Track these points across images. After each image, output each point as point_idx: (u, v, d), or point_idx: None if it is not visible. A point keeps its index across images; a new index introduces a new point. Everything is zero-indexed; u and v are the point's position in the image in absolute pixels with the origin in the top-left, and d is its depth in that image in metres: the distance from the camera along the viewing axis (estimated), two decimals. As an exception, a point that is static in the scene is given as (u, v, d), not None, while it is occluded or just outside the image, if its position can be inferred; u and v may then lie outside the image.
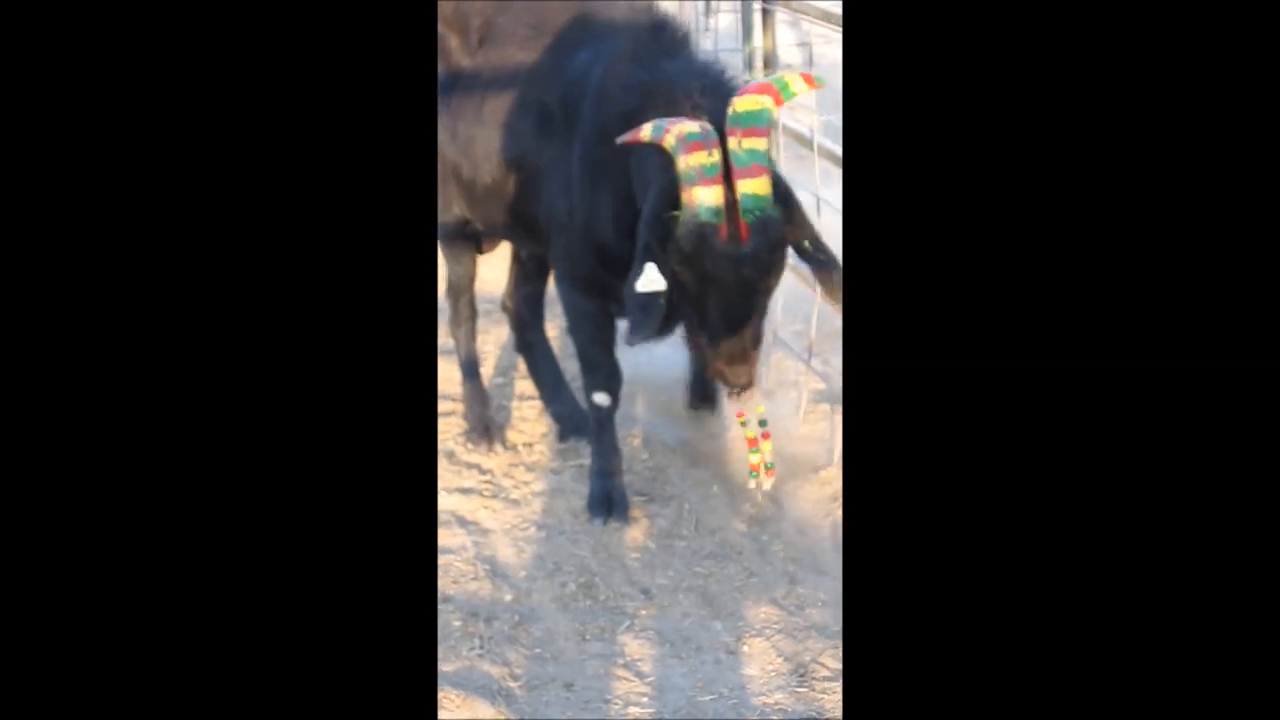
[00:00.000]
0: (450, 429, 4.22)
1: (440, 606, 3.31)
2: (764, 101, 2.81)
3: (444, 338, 4.05)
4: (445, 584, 3.43)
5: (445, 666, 3.07)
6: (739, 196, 2.78)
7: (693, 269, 2.85)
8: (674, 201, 2.84)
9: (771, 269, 2.88)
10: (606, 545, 3.56)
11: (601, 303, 3.45)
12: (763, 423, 3.27)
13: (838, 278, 2.94)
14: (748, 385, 3.01)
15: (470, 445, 3.94)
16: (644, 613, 3.27)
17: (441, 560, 3.53)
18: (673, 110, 2.94)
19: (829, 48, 5.77)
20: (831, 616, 3.20)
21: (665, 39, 3.23)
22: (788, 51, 6.20)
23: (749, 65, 4.56)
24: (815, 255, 2.94)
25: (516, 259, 4.07)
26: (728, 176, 2.79)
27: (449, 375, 4.34)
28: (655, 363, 3.92)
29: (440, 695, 2.95)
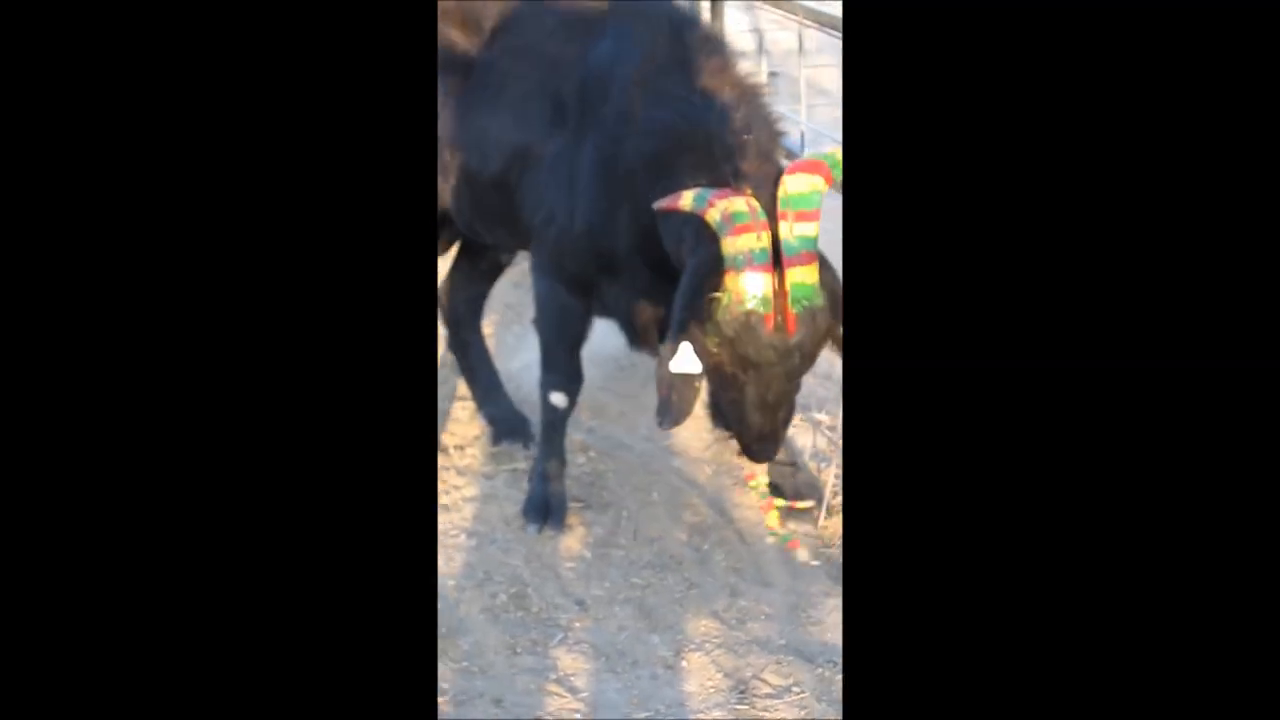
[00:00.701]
0: None
1: None
2: (816, 183, 2.66)
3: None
4: None
5: None
6: (788, 286, 2.64)
7: (733, 355, 2.73)
8: (716, 282, 2.68)
9: (813, 353, 2.77)
10: (540, 554, 3.45)
11: (585, 302, 3.32)
12: (771, 490, 3.24)
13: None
14: (771, 459, 2.99)
15: (493, 443, 3.84)
16: (578, 625, 3.18)
17: None
18: (707, 167, 2.81)
19: (783, 34, 5.67)
20: (775, 630, 3.13)
21: (693, 39, 3.07)
22: (740, 38, 6.08)
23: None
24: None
25: (462, 260, 3.92)
26: (777, 262, 2.64)
27: None
28: (593, 360, 3.78)
29: None
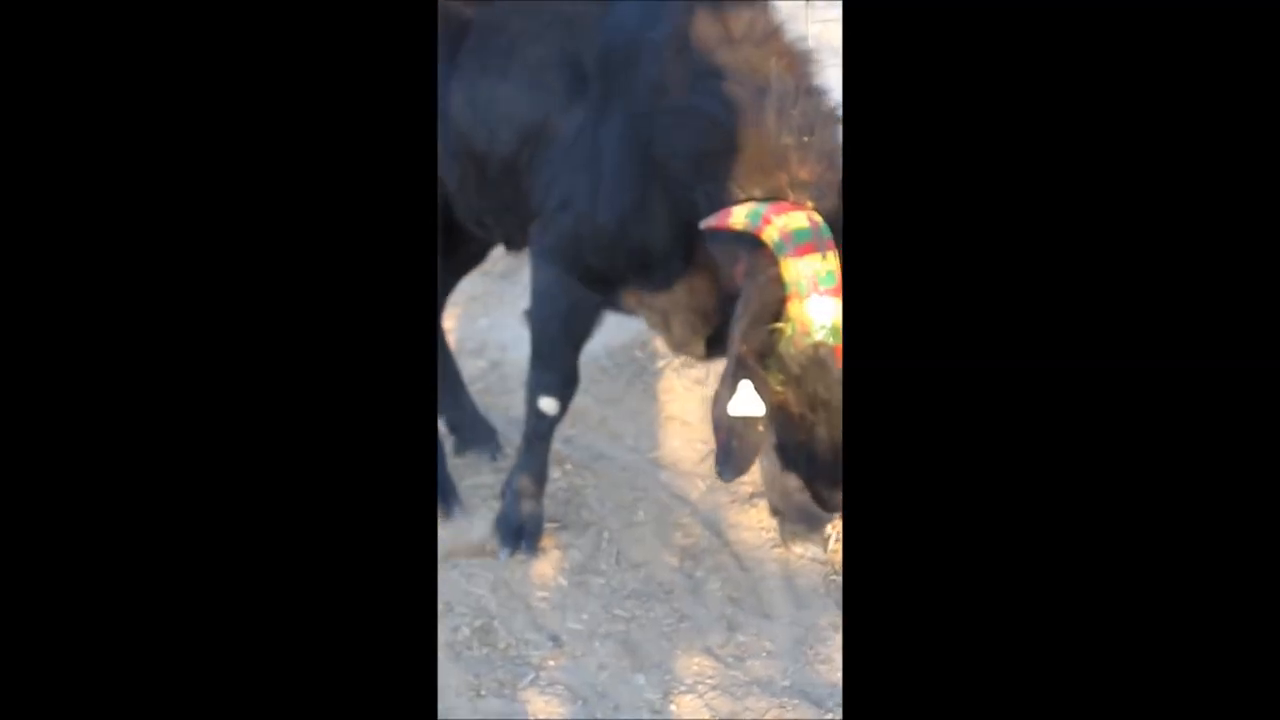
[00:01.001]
0: None
1: None
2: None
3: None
4: None
5: None
6: None
7: (801, 393, 2.49)
8: (778, 311, 2.43)
9: None
10: (509, 582, 3.19)
11: (600, 297, 2.99)
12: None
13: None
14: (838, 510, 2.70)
15: (503, 552, 3.39)
16: (552, 663, 2.95)
17: None
18: (760, 172, 2.52)
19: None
20: (778, 670, 2.91)
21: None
22: None
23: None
24: None
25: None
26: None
27: None
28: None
29: None
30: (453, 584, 3.11)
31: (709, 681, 2.85)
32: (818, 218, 2.39)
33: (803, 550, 2.99)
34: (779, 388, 2.47)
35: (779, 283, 2.39)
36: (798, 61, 2.69)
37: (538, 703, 2.78)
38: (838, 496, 2.57)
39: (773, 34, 2.71)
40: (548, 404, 3.08)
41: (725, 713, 2.76)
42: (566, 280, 2.96)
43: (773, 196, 2.47)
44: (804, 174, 2.49)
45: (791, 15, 2.94)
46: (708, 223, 2.50)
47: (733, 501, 3.46)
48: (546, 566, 3.20)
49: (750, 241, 2.44)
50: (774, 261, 2.39)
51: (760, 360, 2.46)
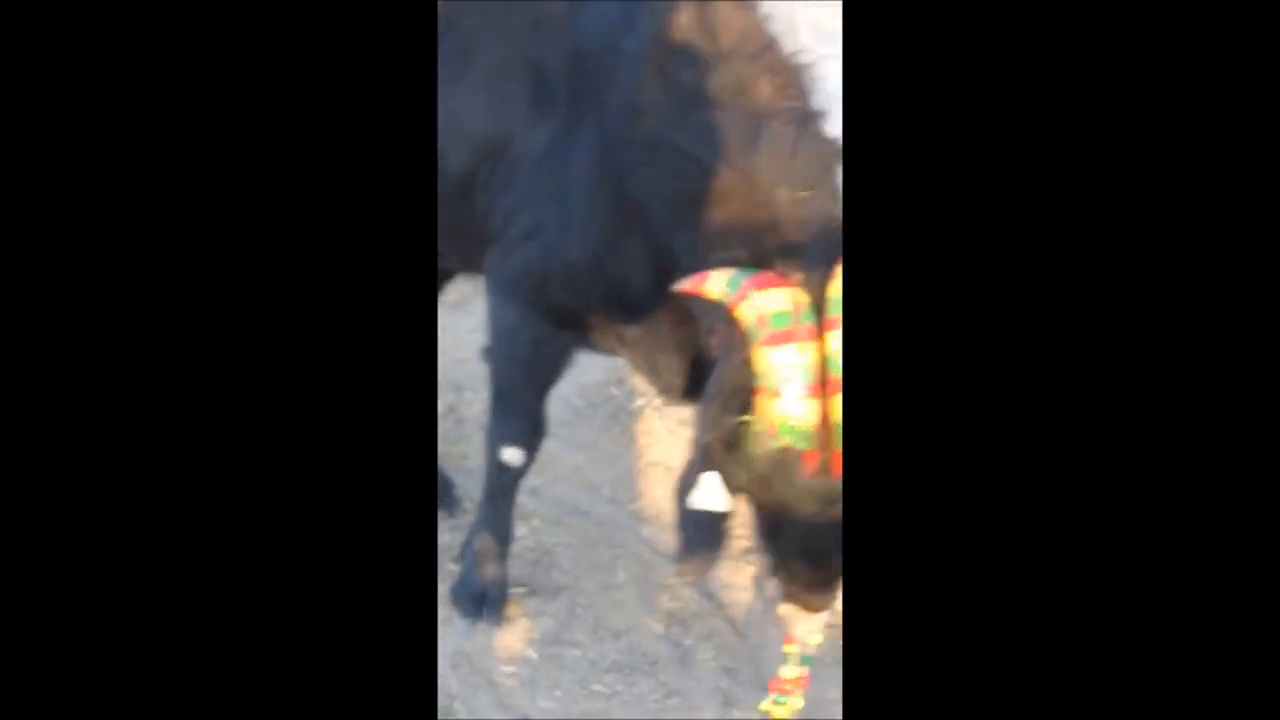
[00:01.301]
0: None
1: None
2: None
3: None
4: None
5: None
6: (833, 419, 2.12)
7: (767, 494, 2.24)
8: (746, 401, 2.15)
9: None
10: (470, 655, 2.91)
11: (569, 336, 2.70)
12: (809, 660, 2.50)
13: None
14: (829, 607, 2.42)
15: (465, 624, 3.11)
16: None
17: None
18: (744, 232, 2.23)
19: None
20: None
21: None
22: None
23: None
24: None
25: None
26: (825, 384, 2.13)
27: None
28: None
29: None
30: None
31: None
32: (804, 298, 2.09)
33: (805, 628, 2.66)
34: (745, 484, 2.21)
35: (750, 370, 2.12)
36: (795, 84, 2.40)
37: None
38: (816, 599, 2.34)
39: (767, 48, 2.41)
40: (511, 454, 2.78)
41: None
42: (531, 317, 2.67)
43: (758, 261, 2.19)
44: (798, 238, 2.19)
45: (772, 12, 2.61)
46: (680, 286, 2.23)
47: (724, 558, 3.01)
48: (513, 637, 2.94)
49: (727, 315, 2.17)
50: (747, 344, 2.11)
51: (728, 451, 2.21)
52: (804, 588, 2.32)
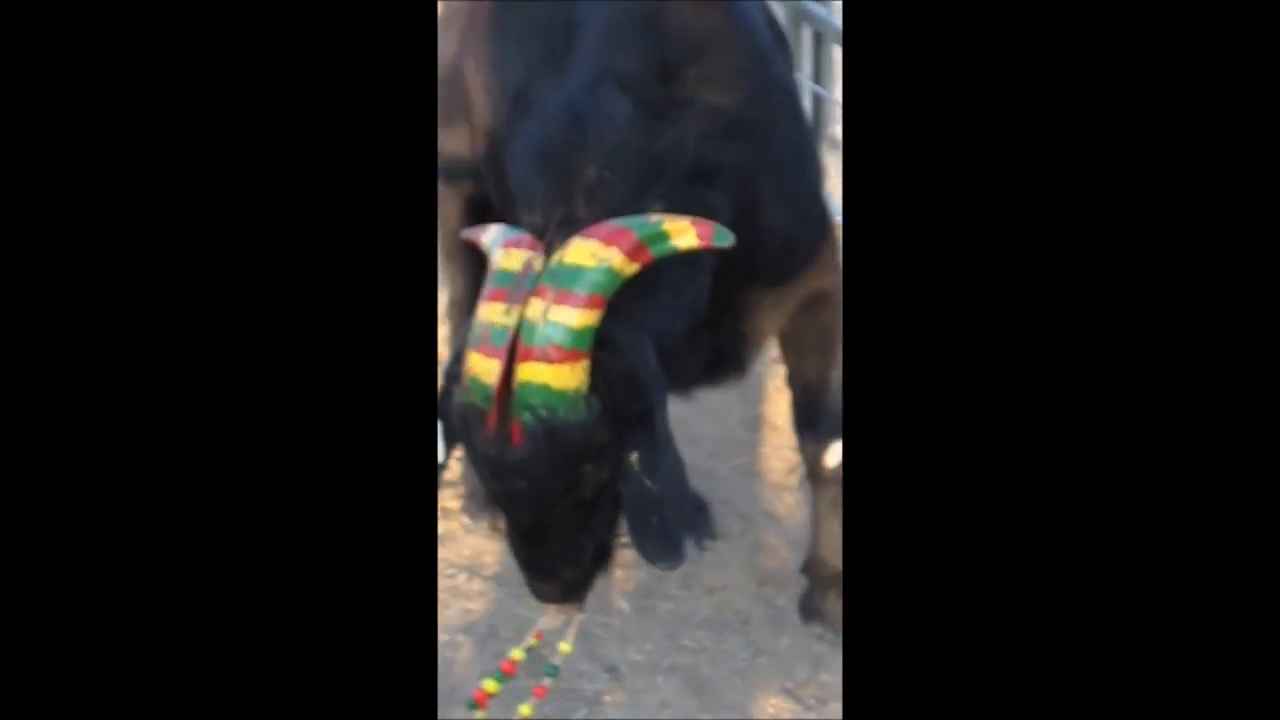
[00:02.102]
0: None
1: None
2: (604, 256, 2.01)
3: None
4: None
5: None
6: (517, 384, 2.00)
7: (463, 449, 2.21)
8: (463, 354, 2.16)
9: (564, 492, 2.10)
10: (564, 606, 2.78)
11: None
12: (553, 671, 2.34)
13: (650, 513, 2.11)
14: (557, 597, 2.29)
15: (469, 517, 3.19)
16: (609, 699, 2.71)
17: None
18: (549, 199, 2.17)
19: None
20: None
21: None
22: None
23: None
24: (634, 480, 2.11)
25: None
26: (514, 349, 2.04)
27: None
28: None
29: None
30: (502, 606, 2.89)
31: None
32: (538, 265, 2.06)
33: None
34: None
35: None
36: (725, 66, 2.33)
37: None
38: (538, 587, 2.25)
39: (718, 34, 2.36)
40: None
41: None
42: None
43: (555, 222, 2.12)
44: (579, 211, 2.13)
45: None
46: (466, 233, 2.22)
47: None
48: (607, 589, 2.92)
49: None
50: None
51: (446, 399, 2.15)
52: (525, 571, 2.25)
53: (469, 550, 3.13)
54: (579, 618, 2.37)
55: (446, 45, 2.86)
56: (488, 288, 2.06)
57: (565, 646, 2.35)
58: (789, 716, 2.57)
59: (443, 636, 2.79)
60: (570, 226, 2.09)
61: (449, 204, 2.93)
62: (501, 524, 2.33)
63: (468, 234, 2.22)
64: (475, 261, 2.90)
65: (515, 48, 2.61)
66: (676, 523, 2.13)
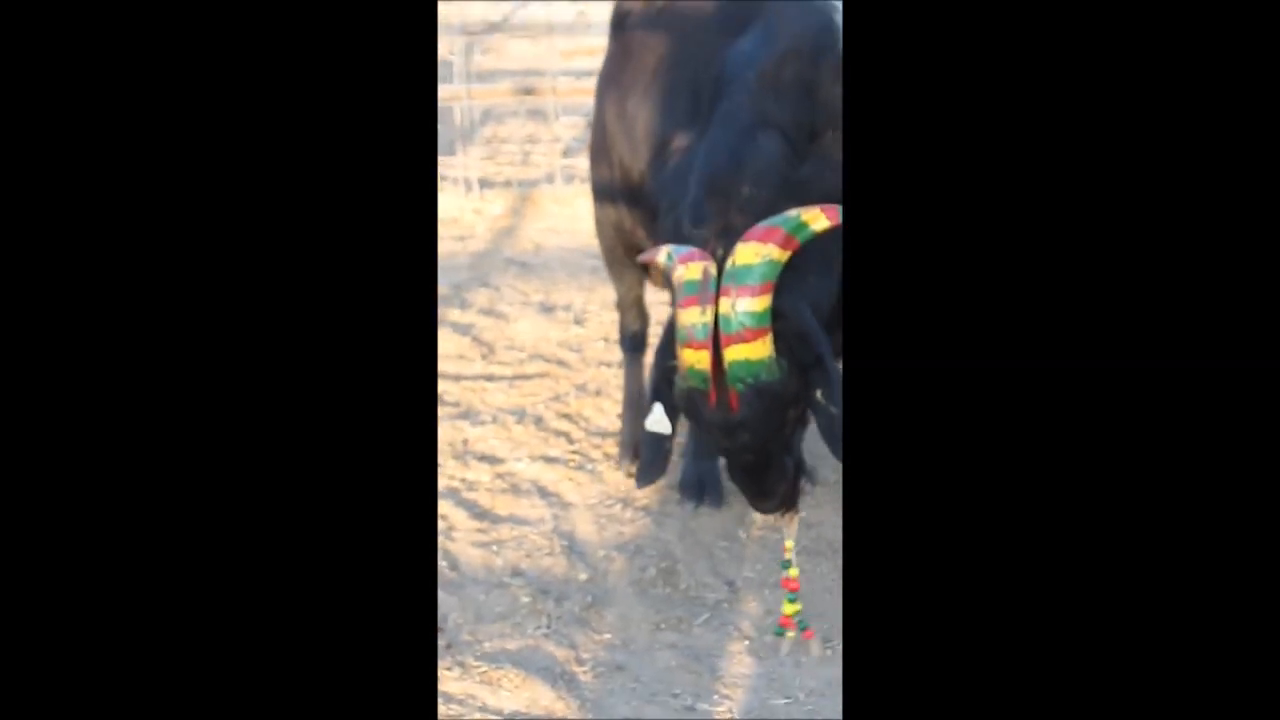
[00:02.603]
0: (541, 391, 4.23)
1: (511, 581, 3.29)
2: (766, 253, 2.49)
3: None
4: (518, 557, 3.39)
5: (509, 644, 3.03)
6: (727, 365, 2.49)
7: (693, 423, 2.70)
8: (673, 351, 2.62)
9: (770, 427, 2.58)
10: (694, 530, 3.45)
11: None
12: (787, 564, 2.81)
13: (837, 430, 2.59)
14: (777, 509, 2.78)
15: (621, 463, 3.71)
16: (725, 606, 3.16)
17: (517, 532, 3.50)
18: (715, 215, 2.69)
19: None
20: None
21: (825, 62, 2.86)
22: None
23: None
24: (822, 410, 2.60)
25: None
26: (717, 340, 2.51)
27: (544, 335, 4.39)
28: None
29: (499, 674, 2.93)
30: (644, 528, 3.41)
31: None
32: (713, 271, 2.52)
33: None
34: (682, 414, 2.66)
35: (675, 324, 2.58)
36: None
37: (709, 639, 3.00)
38: (762, 506, 2.72)
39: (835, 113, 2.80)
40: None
41: None
42: None
43: (716, 234, 2.63)
44: (738, 221, 2.61)
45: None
46: (643, 257, 2.71)
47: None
48: (728, 520, 3.43)
49: (669, 280, 2.64)
50: (674, 304, 2.58)
51: (668, 388, 2.63)
52: (750, 499, 2.71)
53: (623, 487, 3.64)
54: (797, 519, 2.84)
55: (598, 99, 3.46)
56: (680, 296, 2.53)
57: (789, 543, 2.80)
58: None
59: (599, 553, 3.32)
60: (730, 235, 2.58)
61: (606, 219, 3.50)
62: (639, 470, 2.84)
63: (644, 258, 2.73)
64: (631, 265, 3.52)
65: (657, 106, 3.16)
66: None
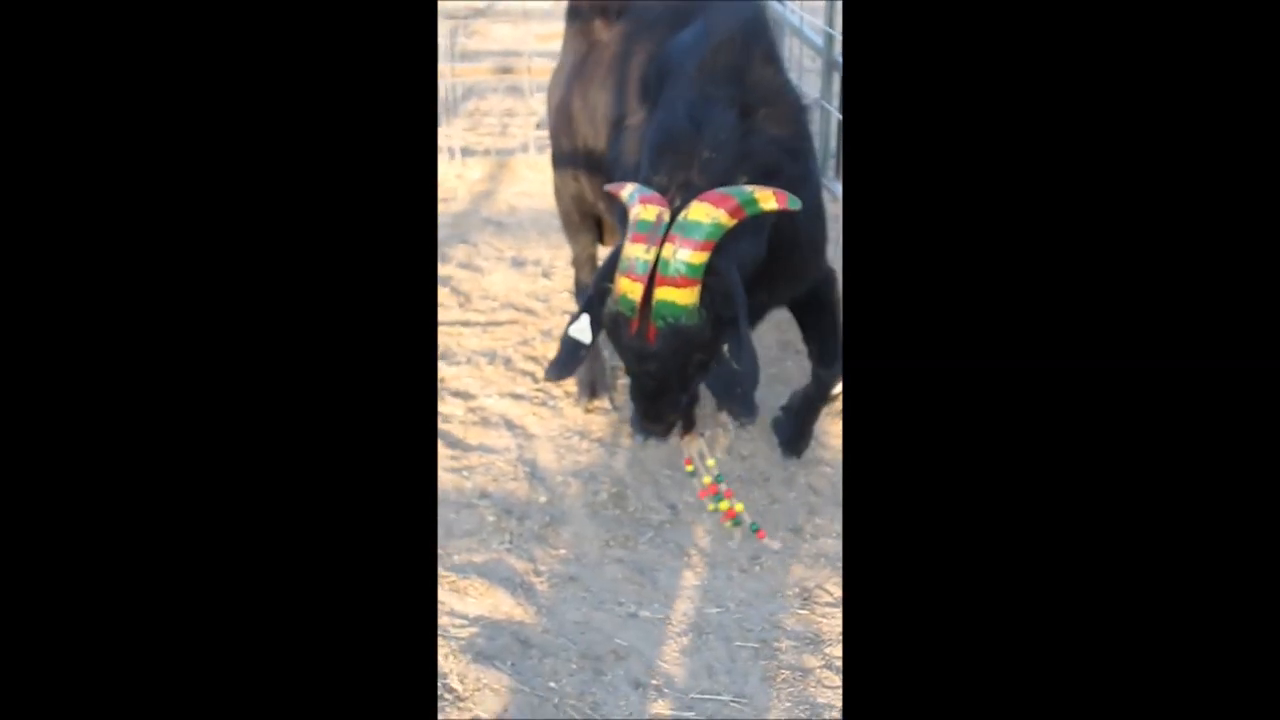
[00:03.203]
0: (511, 336, 4.41)
1: (478, 502, 3.52)
2: (716, 215, 2.67)
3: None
4: (486, 481, 3.61)
5: (475, 557, 3.26)
6: (654, 301, 2.69)
7: (610, 340, 2.87)
8: (613, 275, 2.79)
9: (677, 365, 2.79)
10: (641, 460, 3.66)
11: None
12: (719, 478, 3.14)
13: (734, 384, 2.77)
14: (661, 434, 2.99)
15: (579, 400, 3.93)
16: (668, 526, 3.38)
17: (485, 459, 3.71)
18: (671, 169, 2.85)
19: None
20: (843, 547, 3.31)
21: (758, 48, 3.07)
22: None
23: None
24: (725, 363, 2.78)
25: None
26: (653, 277, 2.70)
27: (515, 286, 4.60)
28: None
29: (466, 583, 3.15)
30: (598, 458, 3.66)
31: (788, 551, 3.26)
32: (666, 216, 2.69)
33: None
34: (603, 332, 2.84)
35: (621, 253, 2.75)
36: (784, 109, 3.04)
37: (652, 555, 3.23)
38: (650, 428, 2.91)
39: (778, 90, 3.06)
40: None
41: (798, 577, 3.16)
42: None
43: (660, 189, 2.81)
44: (695, 179, 2.78)
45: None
46: (609, 186, 2.88)
47: (833, 416, 3.83)
48: (673, 451, 3.62)
49: (624, 213, 2.82)
50: (625, 236, 2.75)
51: (601, 304, 2.81)
52: (641, 417, 2.88)
53: (580, 421, 3.87)
54: (700, 441, 3.09)
55: (556, 89, 3.73)
56: (631, 231, 2.67)
57: (711, 461, 3.11)
58: (791, 544, 3.27)
59: (557, 478, 3.57)
60: (688, 190, 2.72)
61: (565, 189, 3.76)
62: (598, 403, 3.13)
63: (610, 187, 2.89)
64: (586, 228, 3.78)
65: (614, 91, 3.43)
66: (751, 390, 2.74)
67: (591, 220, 3.91)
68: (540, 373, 4.18)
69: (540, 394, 4.06)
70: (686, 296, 2.68)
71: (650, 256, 2.68)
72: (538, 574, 3.20)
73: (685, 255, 2.65)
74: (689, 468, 3.12)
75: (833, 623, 3.07)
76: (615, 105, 3.44)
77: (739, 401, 2.77)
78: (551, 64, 6.22)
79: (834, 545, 3.35)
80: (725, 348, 2.77)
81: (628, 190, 2.80)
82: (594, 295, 2.85)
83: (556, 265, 4.89)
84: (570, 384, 4.05)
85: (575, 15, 3.83)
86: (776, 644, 2.99)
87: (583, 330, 2.85)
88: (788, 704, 2.82)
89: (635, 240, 2.70)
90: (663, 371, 2.79)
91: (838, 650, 2.98)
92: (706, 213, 2.67)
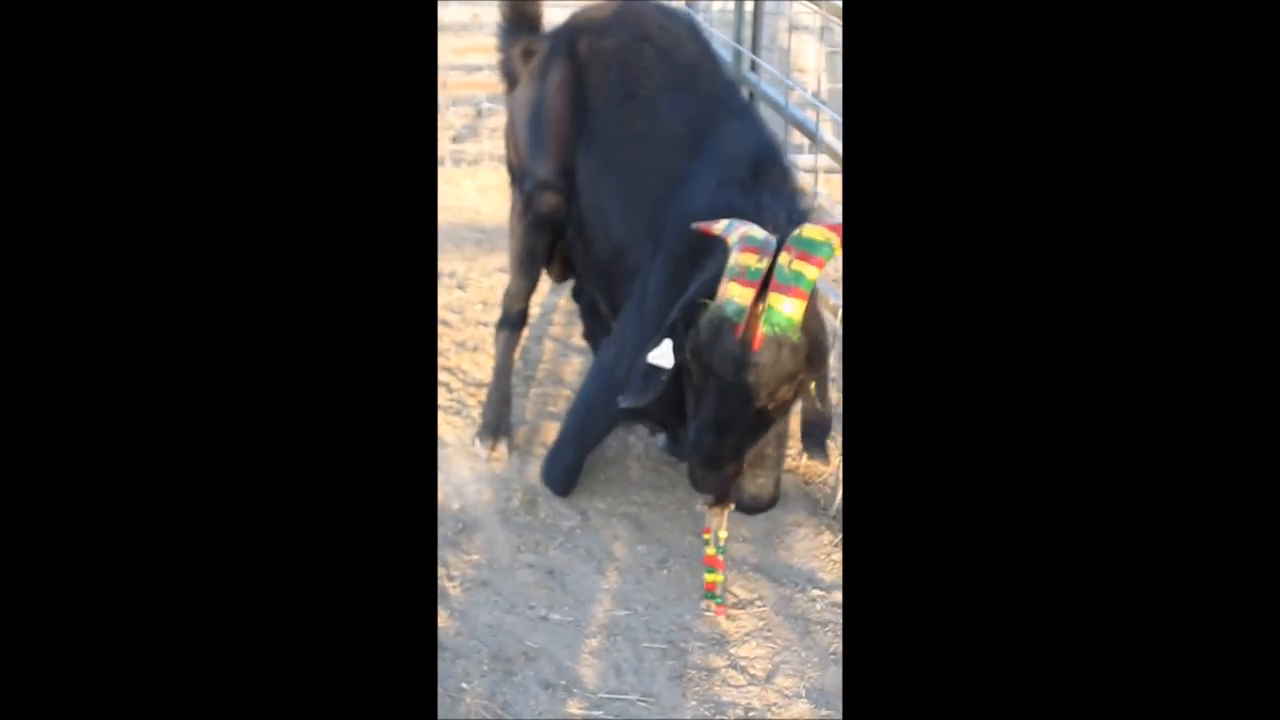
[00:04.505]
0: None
1: None
2: (830, 237, 2.73)
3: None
4: None
5: None
6: (766, 308, 2.72)
7: (701, 360, 2.79)
8: (712, 291, 2.80)
9: (772, 385, 2.79)
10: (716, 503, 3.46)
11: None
12: (722, 550, 3.12)
13: (820, 435, 2.86)
14: (717, 499, 3.00)
15: (478, 440, 3.81)
16: (578, 532, 3.44)
17: None
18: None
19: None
20: (750, 552, 3.40)
21: (768, 175, 3.13)
22: (785, 37, 6.21)
23: (737, 58, 4.51)
24: (815, 400, 2.85)
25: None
26: (765, 286, 2.73)
27: (445, 302, 4.59)
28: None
29: None
30: (511, 466, 3.71)
31: (696, 555, 3.27)
32: (773, 238, 2.78)
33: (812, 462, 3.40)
34: (689, 354, 2.81)
35: (721, 272, 2.77)
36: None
37: (562, 560, 3.28)
38: (708, 478, 2.87)
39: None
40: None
41: (703, 581, 3.18)
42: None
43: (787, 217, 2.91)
44: (780, 223, 2.90)
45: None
46: (700, 225, 2.90)
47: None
48: (590, 466, 3.65)
49: (720, 245, 2.85)
50: (726, 257, 2.77)
51: (685, 328, 2.81)
52: (701, 462, 2.80)
53: (470, 471, 3.80)
54: (726, 512, 3.04)
55: (526, 92, 3.65)
56: (742, 245, 2.73)
57: (723, 533, 3.07)
58: (699, 550, 3.26)
59: (470, 486, 3.58)
60: (793, 209, 2.90)
61: (538, 233, 3.66)
62: (498, 452, 3.20)
63: (700, 226, 2.88)
64: (541, 268, 3.74)
65: (619, 207, 3.43)
66: (827, 434, 2.82)
67: (541, 264, 3.79)
68: (455, 383, 4.19)
69: (454, 404, 4.08)
70: (796, 311, 2.73)
71: (764, 265, 2.74)
72: (450, 578, 3.23)
73: (801, 267, 2.71)
74: (706, 536, 3.12)
75: (738, 624, 3.14)
76: (623, 226, 3.42)
77: (816, 442, 2.88)
78: (469, 77, 6.31)
79: (740, 549, 3.40)
80: (813, 386, 2.83)
81: (723, 223, 2.85)
82: (678, 319, 2.85)
83: (471, 277, 4.93)
84: (483, 393, 4.06)
85: (554, 49, 3.68)
86: (683, 645, 3.05)
87: (664, 355, 2.84)
88: (694, 703, 2.88)
89: (746, 251, 2.75)
90: (760, 386, 2.77)
91: (743, 650, 3.05)
92: (821, 233, 2.75)
